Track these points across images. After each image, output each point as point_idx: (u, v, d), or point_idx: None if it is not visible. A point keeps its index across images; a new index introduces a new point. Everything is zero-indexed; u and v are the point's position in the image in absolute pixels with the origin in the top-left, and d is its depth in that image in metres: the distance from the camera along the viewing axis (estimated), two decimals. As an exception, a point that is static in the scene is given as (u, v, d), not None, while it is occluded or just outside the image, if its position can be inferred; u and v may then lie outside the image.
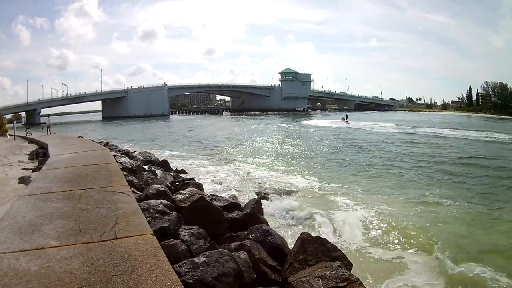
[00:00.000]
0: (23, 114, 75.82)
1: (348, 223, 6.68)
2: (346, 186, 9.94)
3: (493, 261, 5.08)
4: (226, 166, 13.72)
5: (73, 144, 13.83)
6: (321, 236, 4.77)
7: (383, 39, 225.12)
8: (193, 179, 9.57)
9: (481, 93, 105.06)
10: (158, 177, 8.73)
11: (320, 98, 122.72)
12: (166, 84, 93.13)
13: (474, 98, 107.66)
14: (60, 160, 8.73)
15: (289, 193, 9.01)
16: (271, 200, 8.45)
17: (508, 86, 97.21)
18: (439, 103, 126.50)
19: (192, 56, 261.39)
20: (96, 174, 6.47)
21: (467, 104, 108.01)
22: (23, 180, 7.61)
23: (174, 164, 13.44)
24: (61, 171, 6.92)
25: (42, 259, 2.89)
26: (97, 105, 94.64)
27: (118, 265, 2.78)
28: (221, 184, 10.45)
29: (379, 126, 38.30)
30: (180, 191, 6.67)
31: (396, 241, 5.91)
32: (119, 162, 9.10)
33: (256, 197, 7.63)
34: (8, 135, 24.68)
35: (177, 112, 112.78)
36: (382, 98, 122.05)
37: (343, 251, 4.63)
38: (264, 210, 6.78)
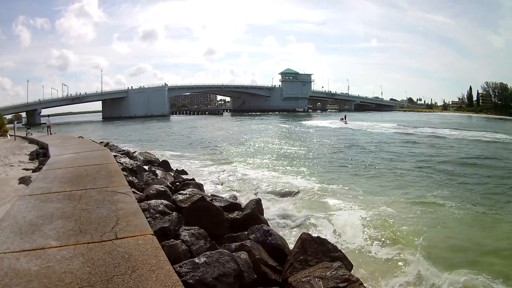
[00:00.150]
0: (23, 114, 75.99)
1: (348, 223, 6.68)
2: (346, 187, 9.94)
3: (493, 263, 5.07)
4: (226, 166, 13.71)
5: (73, 144, 13.84)
6: (321, 237, 4.77)
7: (384, 39, 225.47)
8: (193, 179, 9.57)
9: (481, 93, 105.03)
10: (159, 177, 8.73)
11: (321, 98, 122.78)
12: (167, 85, 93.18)
13: (475, 98, 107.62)
14: (60, 161, 8.73)
15: (289, 193, 9.00)
16: (272, 201, 8.45)
17: (509, 87, 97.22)
18: (440, 103, 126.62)
19: (192, 57, 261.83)
20: (97, 174, 6.47)
21: (468, 104, 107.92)
22: (24, 180, 7.61)
23: (175, 164, 13.44)
24: (61, 172, 6.92)
25: (42, 259, 2.89)
26: (98, 105, 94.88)
27: (118, 265, 2.78)
28: (222, 184, 10.45)
29: (379, 127, 38.32)
30: (181, 192, 6.67)
31: (396, 242, 5.90)
32: (120, 163, 9.10)
33: (256, 197, 7.62)
34: (8, 135, 24.72)
35: (178, 113, 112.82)
36: (382, 98, 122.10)
37: (343, 252, 4.63)
38: (264, 210, 6.78)
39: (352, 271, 4.21)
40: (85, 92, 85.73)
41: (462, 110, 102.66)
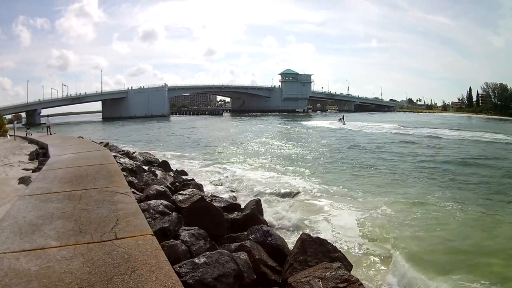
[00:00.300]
0: (23, 114, 75.95)
1: (348, 224, 6.68)
2: (345, 187, 9.95)
3: (492, 266, 5.07)
4: (226, 167, 13.71)
5: (73, 144, 13.84)
6: (321, 237, 4.77)
7: (384, 39, 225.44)
8: (193, 179, 9.58)
9: (481, 94, 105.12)
10: (158, 177, 8.73)
11: (320, 99, 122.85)
12: (167, 85, 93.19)
13: (474, 99, 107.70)
14: (60, 161, 8.73)
15: (289, 194, 9.00)
16: (271, 201, 8.45)
17: (508, 87, 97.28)
18: (439, 104, 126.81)
19: (192, 57, 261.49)
20: (97, 174, 6.47)
21: (467, 105, 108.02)
22: (23, 181, 7.61)
23: (174, 165, 13.45)
24: (61, 172, 6.92)
25: (42, 259, 2.90)
26: (98, 105, 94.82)
27: (118, 265, 2.79)
28: (221, 184, 10.45)
29: (378, 127, 38.33)
30: (180, 192, 6.67)
31: (396, 243, 5.90)
32: (119, 163, 9.10)
33: (256, 198, 7.63)
34: (8, 135, 24.70)
35: (177, 113, 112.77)
36: (382, 99, 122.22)
37: (343, 252, 4.64)
38: (264, 211, 6.78)
39: (351, 271, 4.21)
40: (85, 92, 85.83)
41: (462, 111, 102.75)
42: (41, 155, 13.02)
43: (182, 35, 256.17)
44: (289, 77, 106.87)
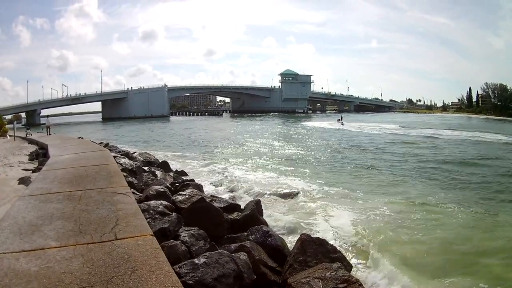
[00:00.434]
0: (23, 114, 75.86)
1: (348, 224, 6.68)
2: (344, 188, 9.94)
3: (491, 268, 5.06)
4: (226, 167, 13.71)
5: (73, 145, 13.84)
6: (320, 237, 4.77)
7: (384, 40, 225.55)
8: (193, 180, 9.57)
9: (481, 94, 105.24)
10: (158, 178, 8.74)
11: (320, 99, 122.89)
12: (166, 85, 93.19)
13: (474, 99, 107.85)
14: (60, 161, 8.73)
15: (289, 194, 9.00)
16: (271, 202, 8.45)
17: (508, 88, 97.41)
18: (439, 104, 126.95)
19: (192, 57, 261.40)
20: (96, 175, 6.47)
21: (467, 105, 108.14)
22: (23, 181, 7.61)
23: (174, 165, 13.45)
24: (61, 172, 6.92)
25: (42, 259, 2.90)
26: (97, 106, 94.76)
27: (118, 266, 2.79)
28: (221, 185, 10.45)
29: (377, 128, 38.34)
30: (180, 192, 6.68)
31: (395, 243, 5.91)
32: (119, 163, 9.10)
33: (256, 198, 7.63)
34: (8, 135, 24.71)
35: (177, 113, 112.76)
36: (382, 99, 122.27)
37: (342, 253, 4.64)
38: (264, 211, 6.78)
39: (351, 271, 4.22)
40: (85, 93, 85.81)
41: (461, 111, 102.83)
42: (41, 155, 13.01)
43: (182, 36, 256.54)
44: (289, 77, 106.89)
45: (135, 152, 15.08)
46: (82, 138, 21.12)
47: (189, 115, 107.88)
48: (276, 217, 7.01)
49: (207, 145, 23.50)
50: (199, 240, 4.52)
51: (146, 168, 10.58)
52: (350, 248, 5.68)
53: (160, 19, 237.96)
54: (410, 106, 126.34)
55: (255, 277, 3.80)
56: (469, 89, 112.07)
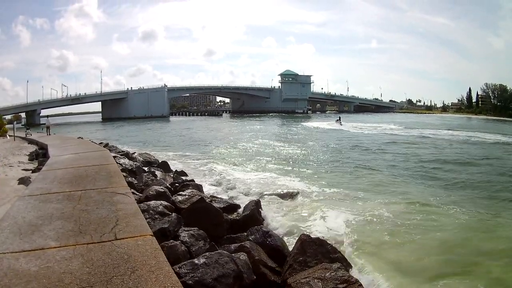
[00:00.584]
0: (23, 114, 75.82)
1: (347, 225, 6.68)
2: (344, 188, 9.94)
3: (491, 270, 5.05)
4: (225, 167, 13.72)
5: (73, 145, 13.84)
6: (320, 238, 4.78)
7: (384, 40, 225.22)
8: (192, 180, 9.58)
9: (481, 95, 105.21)
10: (158, 178, 8.74)
11: (320, 100, 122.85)
12: (166, 86, 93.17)
13: (474, 100, 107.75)
14: (60, 161, 8.73)
15: (289, 194, 8.99)
16: (271, 202, 8.45)
17: (508, 88, 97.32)
18: (439, 105, 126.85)
19: (192, 57, 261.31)
20: (96, 175, 6.47)
21: (467, 106, 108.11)
22: (23, 181, 7.61)
23: (174, 165, 13.45)
24: (61, 172, 6.92)
25: (42, 259, 2.90)
26: (97, 106, 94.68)
27: (118, 266, 2.79)
28: (221, 185, 10.44)
29: (376, 128, 38.31)
30: (180, 193, 6.69)
31: (395, 244, 5.91)
32: (119, 163, 9.11)
33: (255, 198, 7.63)
34: (8, 135, 24.72)
35: (177, 114, 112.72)
36: (382, 100, 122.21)
37: (342, 253, 4.64)
38: (263, 211, 6.79)
39: (351, 272, 4.22)
40: (85, 93, 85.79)
41: (461, 112, 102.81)
42: (40, 155, 13.01)
43: (181, 36, 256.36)
44: (288, 78, 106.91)
45: (135, 152, 15.08)
46: (82, 138, 21.12)
47: (189, 115, 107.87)
48: (276, 217, 7.01)
49: (207, 145, 23.50)
50: (199, 240, 4.53)
51: (146, 168, 10.59)
52: (350, 249, 5.68)
53: (160, 19, 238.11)
54: (410, 107, 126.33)
55: (255, 277, 3.81)
56: (469, 89, 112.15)
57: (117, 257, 2.94)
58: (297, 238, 4.72)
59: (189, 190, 6.84)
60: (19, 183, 7.55)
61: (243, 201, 7.64)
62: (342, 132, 34.84)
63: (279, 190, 9.40)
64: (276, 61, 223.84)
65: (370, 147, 21.14)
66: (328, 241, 4.79)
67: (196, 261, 3.57)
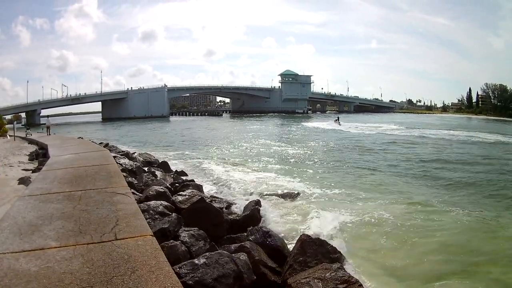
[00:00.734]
0: (23, 114, 75.85)
1: (347, 225, 6.68)
2: (344, 188, 9.94)
3: (491, 272, 5.05)
4: (225, 167, 13.72)
5: (73, 145, 13.84)
6: (320, 238, 4.77)
7: (384, 41, 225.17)
8: (193, 180, 9.58)
9: (481, 95, 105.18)
10: (158, 178, 8.74)
11: (320, 100, 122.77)
12: (166, 86, 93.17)
13: (474, 100, 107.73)
14: (60, 161, 8.73)
15: (289, 195, 8.98)
16: (271, 202, 8.44)
17: (508, 88, 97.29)
18: (439, 105, 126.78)
19: (192, 58, 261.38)
20: (96, 175, 6.47)
21: (467, 106, 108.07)
22: (23, 181, 7.61)
23: (175, 165, 13.45)
24: (61, 172, 6.92)
25: (42, 259, 2.90)
26: (97, 106, 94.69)
27: (118, 266, 2.79)
28: (221, 185, 10.44)
29: (375, 128, 38.24)
30: (180, 193, 6.68)
31: (395, 244, 5.91)
32: (119, 163, 9.11)
33: (255, 198, 7.63)
34: (8, 135, 24.73)
35: (177, 114, 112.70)
36: (382, 100, 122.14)
37: (342, 253, 4.64)
38: (263, 211, 6.78)
39: (351, 272, 4.20)
40: (85, 93, 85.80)
41: (461, 112, 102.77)
42: (41, 155, 13.02)
43: (181, 36, 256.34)
44: (288, 78, 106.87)
45: (135, 152, 15.08)
46: (82, 138, 21.12)
47: (189, 115, 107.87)
48: (276, 217, 7.00)
49: (207, 145, 23.50)
50: (199, 241, 4.52)
51: (146, 169, 10.58)
52: (350, 249, 5.68)
53: (160, 19, 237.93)
54: (410, 107, 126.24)
55: (255, 277, 3.81)
56: (469, 89, 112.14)
57: (117, 257, 2.93)
58: (297, 238, 4.71)
59: (189, 190, 6.83)
60: (19, 183, 7.55)
61: (243, 201, 7.64)
62: (342, 132, 34.82)
63: (279, 191, 9.40)
64: (276, 61, 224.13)
65: (371, 147, 21.14)
66: (328, 242, 4.78)
67: (196, 261, 3.56)
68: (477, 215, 7.60)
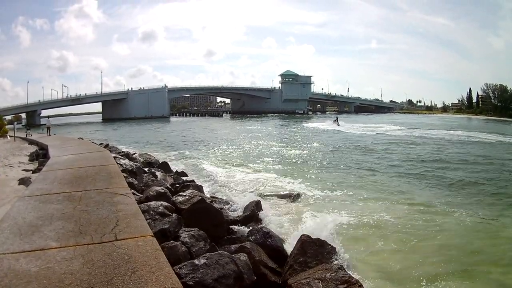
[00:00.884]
0: (23, 115, 76.01)
1: (348, 226, 6.68)
2: (345, 189, 9.93)
3: (491, 273, 5.04)
4: (226, 168, 13.72)
5: (73, 145, 13.85)
6: (321, 238, 4.77)
7: (384, 41, 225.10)
8: (193, 181, 9.58)
9: (481, 95, 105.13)
10: (158, 179, 8.74)
11: (320, 100, 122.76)
12: (167, 86, 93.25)
13: (474, 100, 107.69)
14: (60, 162, 8.73)
15: (288, 195, 8.98)
16: (271, 202, 8.44)
17: (508, 88, 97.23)
18: (439, 105, 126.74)
19: (192, 58, 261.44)
20: (97, 175, 6.47)
21: (467, 106, 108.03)
22: (23, 181, 7.61)
23: (176, 165, 13.45)
24: (61, 173, 6.92)
25: (42, 260, 2.89)
26: (98, 106, 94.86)
27: (118, 266, 2.79)
28: (221, 186, 10.44)
29: (374, 129, 38.21)
30: (180, 193, 6.68)
31: (396, 245, 5.90)
32: (119, 164, 9.11)
33: (255, 199, 7.63)
34: (8, 136, 24.76)
35: (177, 114, 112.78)
36: (382, 100, 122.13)
37: (342, 253, 4.63)
38: (264, 212, 6.78)
39: (351, 272, 4.20)
40: (85, 93, 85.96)
41: (461, 112, 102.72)
42: (41, 156, 13.02)
43: (182, 36, 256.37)
44: (289, 78, 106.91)
45: (135, 153, 15.08)
46: (82, 138, 21.14)
47: (189, 116, 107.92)
48: (276, 218, 7.00)
49: (207, 145, 23.50)
50: (199, 241, 4.52)
51: (146, 169, 10.59)
52: (350, 249, 5.67)
53: (160, 20, 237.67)
54: (410, 107, 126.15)
55: (255, 278, 3.80)
56: (469, 89, 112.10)
57: (118, 258, 2.93)
58: (297, 239, 4.71)
59: (189, 191, 6.83)
60: (19, 184, 7.55)
61: (243, 202, 7.63)
62: (343, 133, 34.81)
63: (279, 191, 9.40)
64: (276, 61, 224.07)
65: (371, 147, 21.11)
66: (328, 242, 4.78)
67: (196, 261, 3.56)
68: (478, 216, 7.58)
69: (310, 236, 4.59)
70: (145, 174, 9.06)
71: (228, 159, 16.45)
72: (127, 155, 12.91)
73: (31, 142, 19.45)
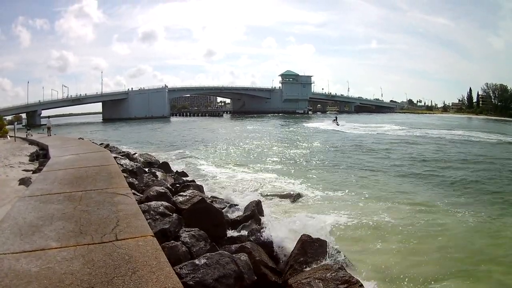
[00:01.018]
0: (23, 115, 76.08)
1: (348, 226, 6.68)
2: (345, 189, 9.93)
3: (492, 273, 5.03)
4: (226, 168, 13.73)
5: (73, 145, 13.85)
6: (321, 238, 4.76)
7: (384, 41, 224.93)
8: (193, 181, 9.57)
9: (481, 95, 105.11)
10: (159, 179, 8.74)
11: (321, 100, 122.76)
12: (167, 86, 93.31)
13: (475, 100, 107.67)
14: (60, 162, 8.73)
15: (289, 195, 8.99)
16: (272, 202, 8.44)
17: (509, 88, 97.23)
18: (440, 105, 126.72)
19: (192, 58, 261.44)
20: (97, 175, 6.47)
21: (468, 106, 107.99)
22: (24, 182, 7.61)
23: (176, 165, 13.45)
24: (61, 173, 6.92)
25: (42, 260, 2.89)
26: (98, 106, 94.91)
27: (119, 266, 2.78)
28: (222, 186, 10.44)
29: (374, 129, 38.21)
30: (181, 193, 6.67)
31: (396, 245, 5.90)
32: (120, 164, 9.10)
33: (256, 199, 7.62)
34: (8, 136, 24.78)
35: (178, 114, 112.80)
36: (382, 100, 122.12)
37: (342, 253, 4.63)
38: (264, 212, 6.78)
39: (352, 272, 4.19)
40: (85, 94, 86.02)
41: (462, 112, 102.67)
42: (41, 156, 13.02)
43: (182, 36, 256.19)
44: (289, 78, 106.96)
45: (135, 153, 15.08)
46: (82, 139, 21.15)
47: (190, 116, 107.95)
48: (276, 218, 6.99)
49: (207, 145, 23.52)
50: (199, 241, 4.51)
51: (146, 169, 10.58)
52: (351, 249, 5.67)
53: (160, 19, 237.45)
54: (410, 107, 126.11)
55: (255, 278, 3.80)
56: (470, 89, 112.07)
57: (118, 258, 2.93)
58: (298, 239, 4.71)
59: (190, 191, 6.82)
60: (19, 184, 7.55)
61: (243, 202, 7.63)
62: (343, 133, 34.80)
63: (279, 191, 9.41)
64: (276, 61, 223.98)
65: (372, 147, 21.12)
66: (328, 242, 4.77)
67: (197, 261, 3.56)
68: (479, 215, 7.58)
69: (310, 236, 4.59)
70: (146, 174, 9.06)
71: (229, 159, 16.46)
72: (128, 155, 12.90)
73: (32, 142, 19.46)
